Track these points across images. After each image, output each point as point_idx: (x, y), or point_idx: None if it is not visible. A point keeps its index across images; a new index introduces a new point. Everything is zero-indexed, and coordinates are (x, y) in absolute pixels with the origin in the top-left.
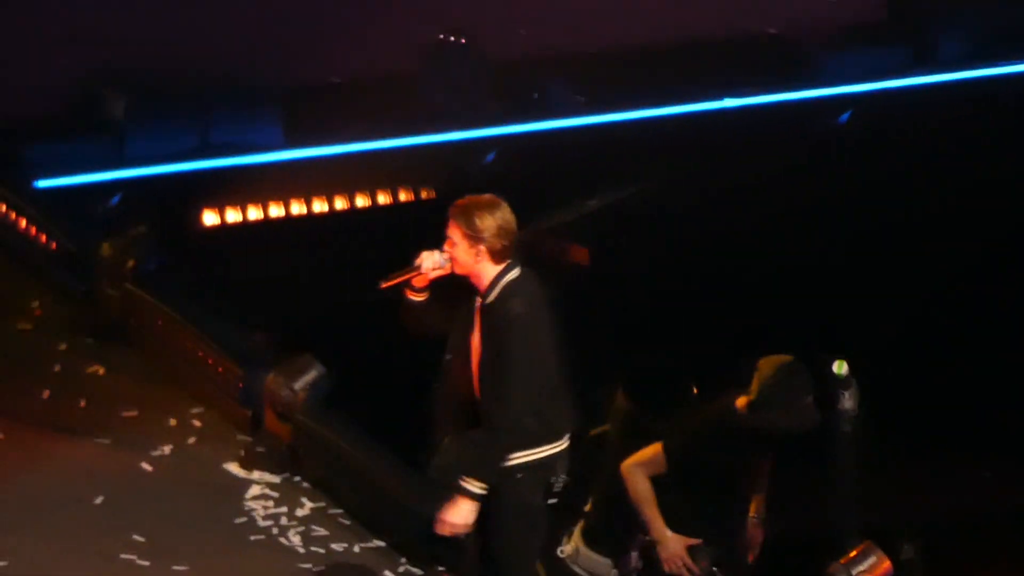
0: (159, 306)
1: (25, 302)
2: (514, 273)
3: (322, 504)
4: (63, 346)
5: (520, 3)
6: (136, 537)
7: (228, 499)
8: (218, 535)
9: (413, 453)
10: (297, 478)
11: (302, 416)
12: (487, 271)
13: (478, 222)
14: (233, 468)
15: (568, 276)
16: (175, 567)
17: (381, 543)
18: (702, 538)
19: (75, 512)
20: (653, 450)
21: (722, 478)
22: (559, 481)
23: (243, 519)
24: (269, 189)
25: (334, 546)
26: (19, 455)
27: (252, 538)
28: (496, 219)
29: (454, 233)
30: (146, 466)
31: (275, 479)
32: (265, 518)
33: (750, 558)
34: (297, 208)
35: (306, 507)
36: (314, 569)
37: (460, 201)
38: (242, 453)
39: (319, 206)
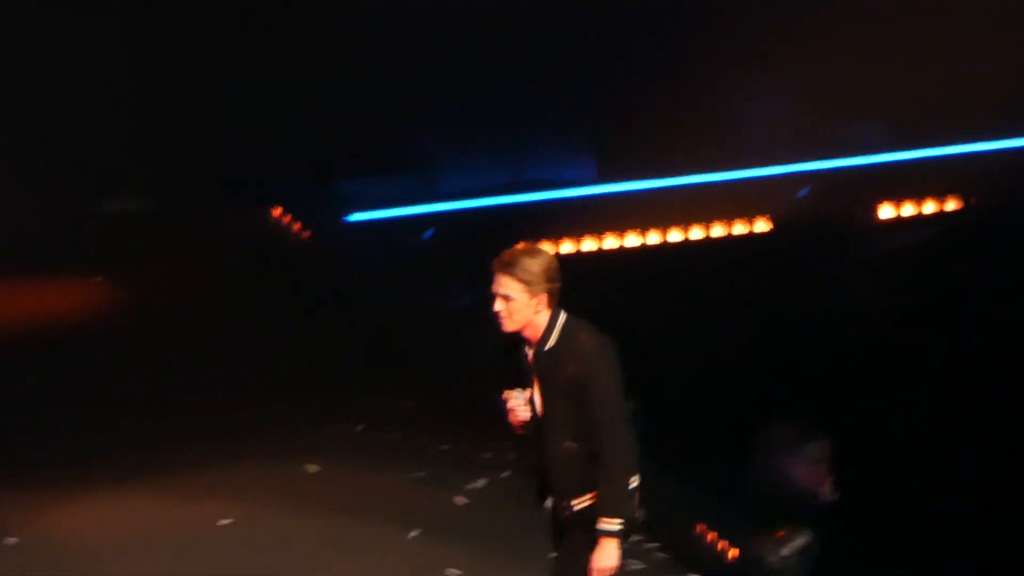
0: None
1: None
2: (564, 315)
3: (637, 538)
4: (376, 380)
5: (829, 42)
6: (451, 571)
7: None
8: (533, 569)
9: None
10: None
11: None
12: (542, 318)
13: (533, 268)
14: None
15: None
16: None
17: None
18: None
19: (390, 545)
20: None
21: None
22: (643, 515)
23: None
24: (584, 222)
25: None
26: (335, 488)
27: None
28: (544, 262)
29: (508, 288)
30: (460, 499)
31: None
32: None
33: None
34: (611, 242)
35: None
36: None
37: (502, 257)
38: None
39: (633, 240)
